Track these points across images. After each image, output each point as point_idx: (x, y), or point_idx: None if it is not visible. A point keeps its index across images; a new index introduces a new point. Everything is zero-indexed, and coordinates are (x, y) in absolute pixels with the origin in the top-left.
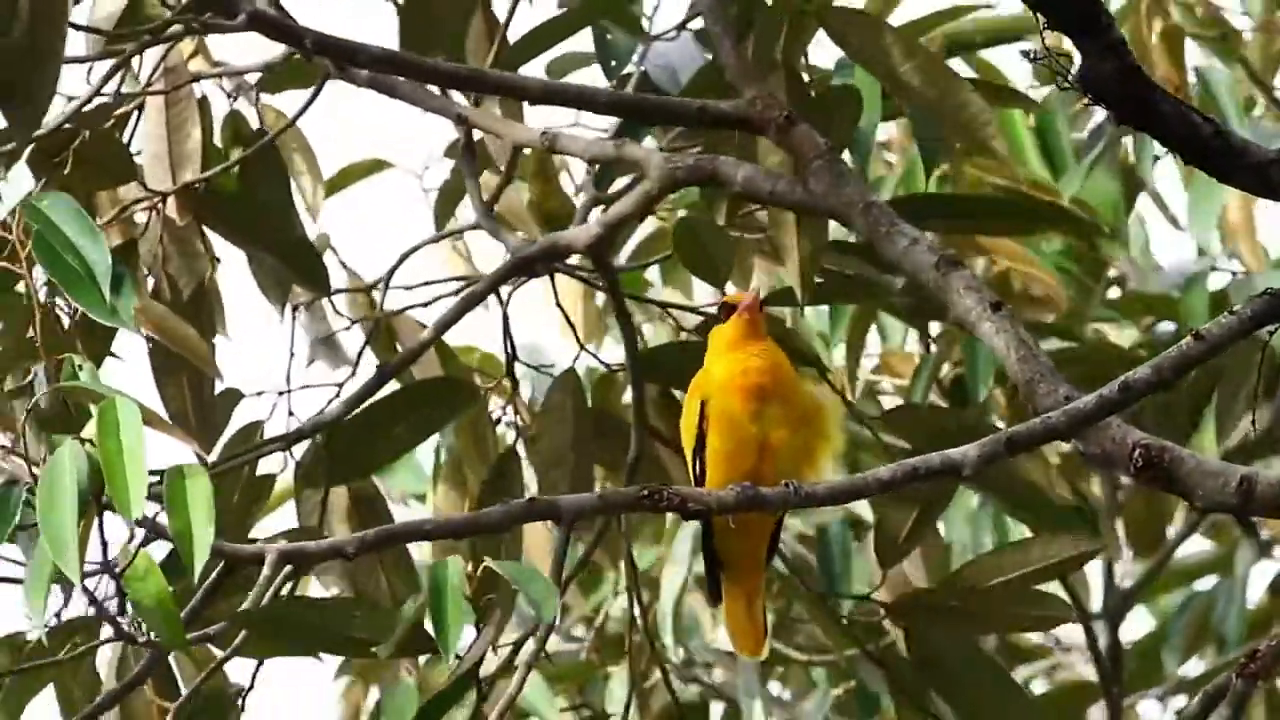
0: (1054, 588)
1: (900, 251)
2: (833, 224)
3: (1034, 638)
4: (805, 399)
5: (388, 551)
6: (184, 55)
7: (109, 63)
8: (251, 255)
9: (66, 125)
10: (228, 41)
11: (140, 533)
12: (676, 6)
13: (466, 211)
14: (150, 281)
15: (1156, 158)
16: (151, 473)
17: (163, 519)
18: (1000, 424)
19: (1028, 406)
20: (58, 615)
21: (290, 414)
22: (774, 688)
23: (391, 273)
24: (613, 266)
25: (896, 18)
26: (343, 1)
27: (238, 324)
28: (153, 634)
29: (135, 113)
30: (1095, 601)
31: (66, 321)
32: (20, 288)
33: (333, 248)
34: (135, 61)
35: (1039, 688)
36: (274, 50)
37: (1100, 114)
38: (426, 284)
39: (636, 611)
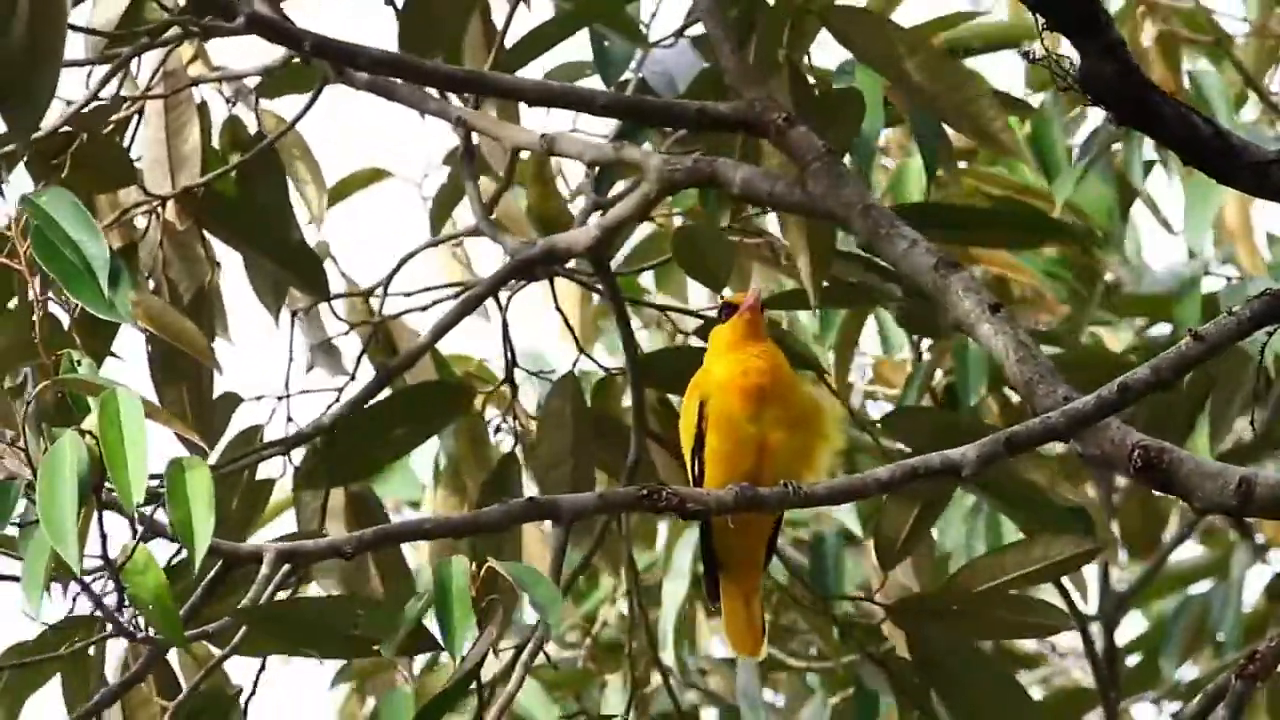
0: (1050, 592)
1: (899, 253)
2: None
3: (1029, 644)
4: (804, 400)
5: (382, 556)
6: (183, 60)
7: (109, 66)
8: (248, 260)
9: (65, 128)
10: (227, 47)
11: (140, 527)
12: (674, 13)
13: (465, 217)
14: (150, 285)
15: (1149, 164)
16: (151, 476)
17: (162, 518)
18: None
19: (1026, 407)
20: (70, 616)
21: (289, 419)
22: (767, 694)
23: (390, 277)
24: (611, 269)
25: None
26: (341, 5)
27: (237, 329)
28: (151, 630)
29: (135, 118)
30: (1091, 606)
31: (66, 321)
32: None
33: (332, 256)
34: (135, 66)
35: (1035, 695)
36: (273, 55)
37: (1094, 120)
38: (426, 289)
39: (637, 614)
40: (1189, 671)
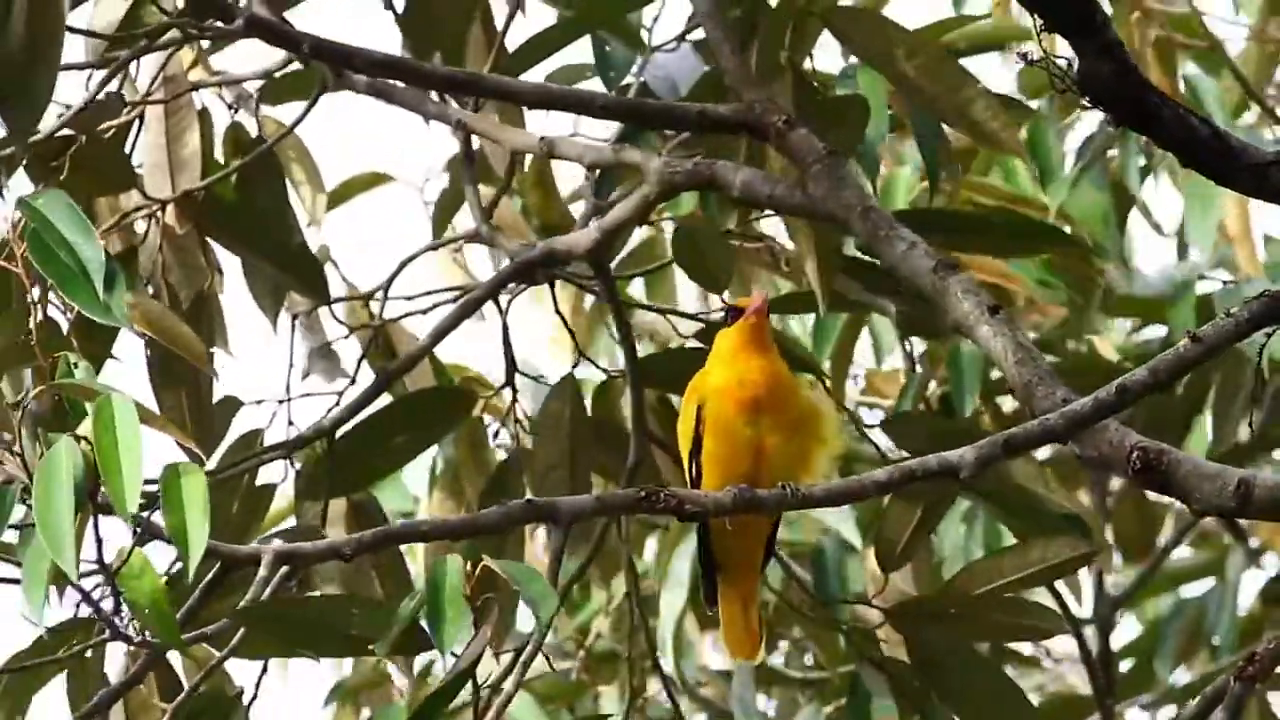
0: (1044, 596)
1: (898, 256)
2: None
3: (1025, 650)
4: (802, 405)
5: (383, 561)
6: (184, 65)
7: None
8: (247, 264)
9: (65, 130)
10: (228, 54)
11: (136, 532)
12: (677, 17)
13: (466, 221)
14: (150, 290)
15: (1146, 169)
16: (148, 481)
17: (160, 520)
18: None
19: (1025, 409)
20: (70, 619)
21: (290, 423)
22: (759, 701)
23: (390, 281)
24: (611, 272)
25: None
26: (340, 8)
27: (239, 334)
28: (149, 634)
29: (136, 123)
30: (1085, 610)
31: (65, 326)
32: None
33: (333, 260)
34: (135, 71)
35: (1031, 700)
36: (272, 61)
37: (1090, 126)
38: (427, 293)
39: (637, 617)
40: (1182, 675)
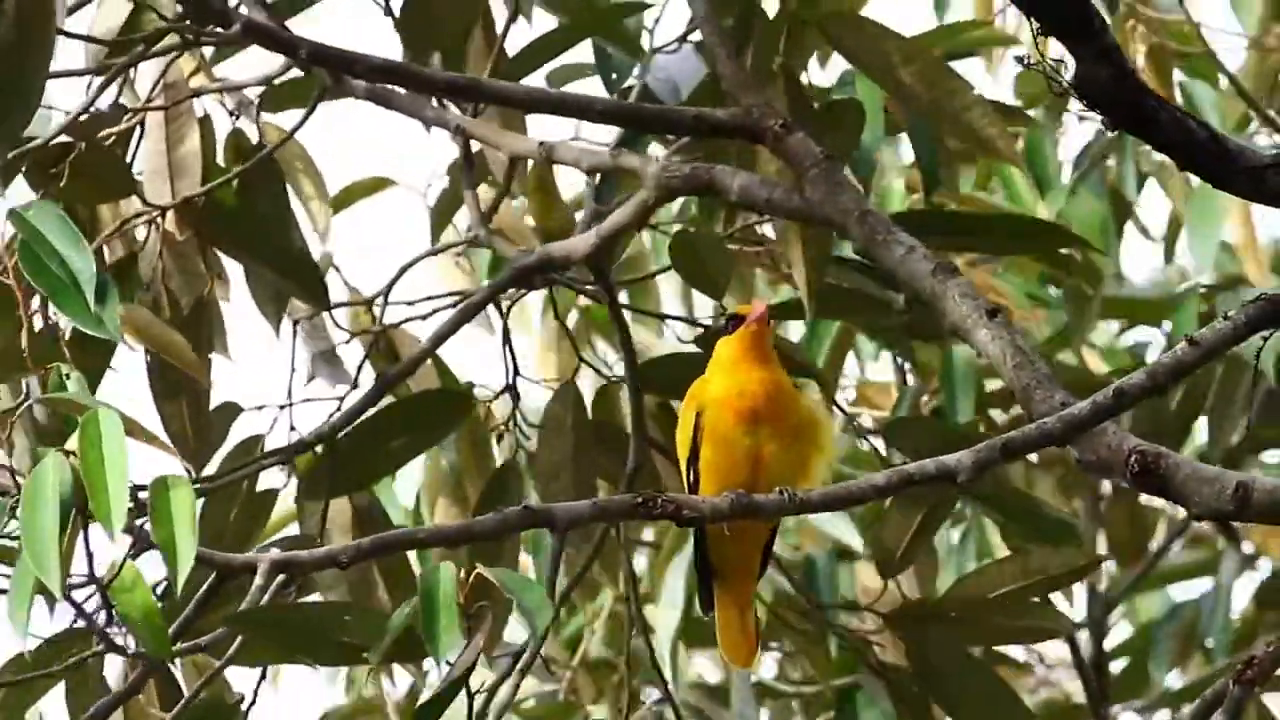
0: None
1: (896, 259)
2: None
3: (1018, 655)
4: (801, 413)
5: (388, 569)
6: (184, 72)
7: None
8: (249, 270)
9: (63, 137)
10: (229, 61)
11: (127, 544)
12: (678, 19)
13: (466, 225)
14: (150, 297)
15: (1143, 177)
16: (141, 488)
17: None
18: None
19: (1024, 412)
20: (67, 629)
21: (292, 428)
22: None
23: (391, 286)
24: (611, 277)
25: None
26: (338, 14)
27: (240, 340)
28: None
29: (137, 129)
30: (1078, 613)
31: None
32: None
33: (335, 265)
34: (134, 77)
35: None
36: (272, 67)
37: (1080, 134)
38: (428, 298)
39: (635, 623)
40: (1176, 679)
